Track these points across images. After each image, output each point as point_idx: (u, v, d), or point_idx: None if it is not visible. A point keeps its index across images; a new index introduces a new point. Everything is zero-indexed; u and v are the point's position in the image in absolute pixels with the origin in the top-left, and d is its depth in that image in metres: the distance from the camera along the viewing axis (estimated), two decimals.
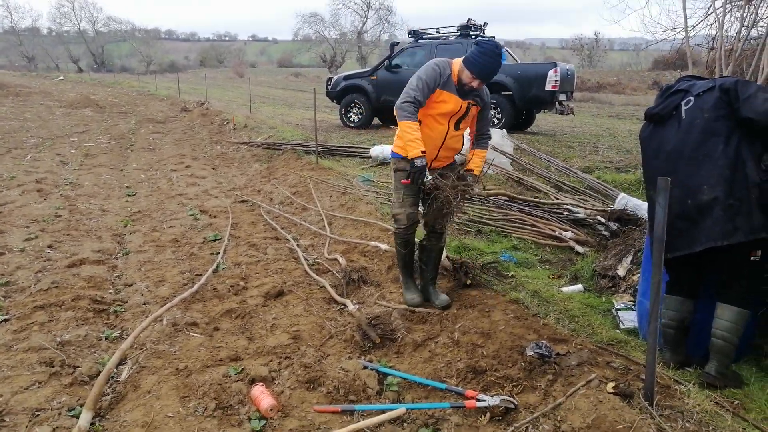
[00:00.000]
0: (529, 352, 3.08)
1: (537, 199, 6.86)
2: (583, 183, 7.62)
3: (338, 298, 4.12)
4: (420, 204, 3.82)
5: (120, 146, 11.80)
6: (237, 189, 8.01)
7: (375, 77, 13.05)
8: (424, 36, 13.08)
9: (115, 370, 3.05)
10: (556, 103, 11.72)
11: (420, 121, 3.49)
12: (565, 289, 4.41)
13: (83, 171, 8.88)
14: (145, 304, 3.97)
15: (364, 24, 54.62)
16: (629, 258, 4.55)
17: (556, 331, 3.41)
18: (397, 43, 13.60)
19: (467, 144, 4.08)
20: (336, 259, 4.90)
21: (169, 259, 4.96)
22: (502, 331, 3.41)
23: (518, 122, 12.38)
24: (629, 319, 3.87)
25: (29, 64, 66.73)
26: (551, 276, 4.85)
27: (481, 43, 3.43)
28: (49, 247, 5.08)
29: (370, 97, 13.07)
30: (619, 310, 4.00)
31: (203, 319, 3.73)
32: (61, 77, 40.87)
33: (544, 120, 15.67)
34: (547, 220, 6.40)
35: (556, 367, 2.95)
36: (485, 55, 3.38)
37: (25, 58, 68.92)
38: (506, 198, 6.71)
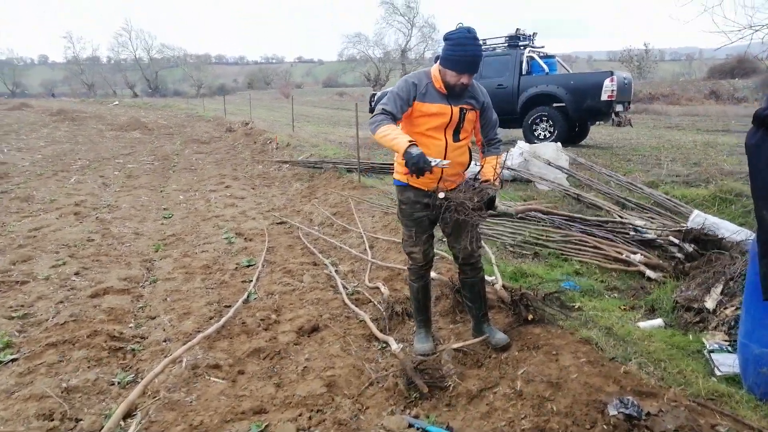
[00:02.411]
0: (612, 411, 2.50)
1: (598, 217, 6.21)
2: (649, 199, 6.91)
3: (380, 335, 3.62)
4: (441, 229, 3.31)
5: (163, 167, 11.75)
6: (276, 210, 7.67)
7: None
8: None
9: (122, 424, 2.65)
10: (613, 114, 11.00)
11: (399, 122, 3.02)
12: (642, 324, 3.79)
13: (123, 193, 8.76)
14: (165, 341, 3.58)
15: (407, 42, 54.85)
16: (719, 288, 3.88)
17: (641, 382, 2.81)
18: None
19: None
20: (378, 288, 4.42)
21: (198, 287, 4.59)
22: (574, 380, 2.84)
23: (571, 135, 11.69)
24: (726, 363, 3.22)
25: (89, 91, 69.96)
26: (623, 307, 4.23)
27: (448, 36, 2.93)
28: (76, 274, 4.81)
29: None
30: (712, 352, 3.35)
31: (227, 360, 3.30)
32: (116, 102, 42.38)
33: (597, 132, 14.86)
34: (612, 241, 5.75)
35: None
36: (458, 45, 2.87)
37: (85, 85, 72.36)
38: (541, 212, 6.05)
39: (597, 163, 8.92)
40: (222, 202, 8.07)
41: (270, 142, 13.90)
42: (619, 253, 5.45)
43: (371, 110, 13.72)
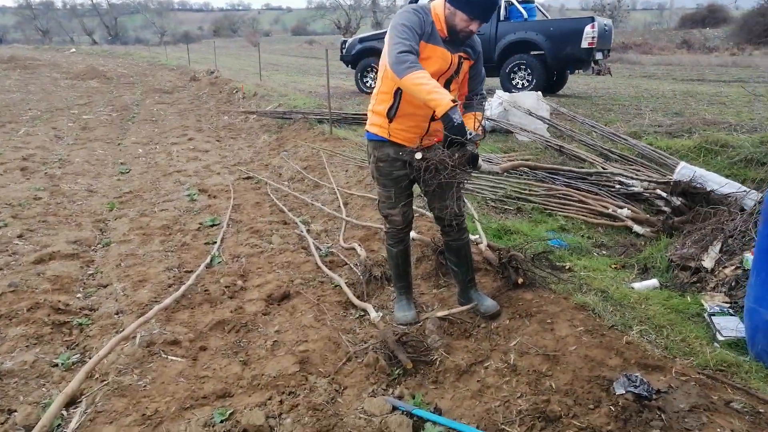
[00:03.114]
0: (619, 390, 2.25)
1: (582, 169, 5.93)
2: (633, 151, 6.65)
3: (357, 302, 3.31)
4: (421, 190, 2.96)
5: (121, 118, 11.02)
6: (242, 163, 7.20)
7: None
8: None
9: (64, 413, 2.30)
10: (592, 62, 10.65)
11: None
12: (637, 285, 3.55)
13: (77, 146, 8.12)
14: (118, 313, 3.20)
15: None
16: (717, 246, 3.65)
17: (646, 353, 2.56)
18: (417, 1, 12.50)
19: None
20: (354, 249, 4.09)
21: (156, 251, 4.18)
22: (573, 352, 2.58)
23: (549, 84, 11.31)
24: (729, 327, 3.00)
25: (44, 38, 66.17)
26: (614, 266, 3.99)
27: None
28: (19, 237, 4.34)
29: None
30: (713, 315, 3.13)
31: (187, 335, 2.95)
32: (73, 50, 40.10)
33: (573, 81, 14.49)
34: (597, 194, 5.50)
35: (660, 414, 2.13)
36: None
37: (40, 31, 68.36)
38: (528, 167, 5.72)
39: (577, 113, 8.61)
40: (184, 156, 7.54)
41: (236, 92, 13.19)
42: (605, 207, 5.21)
43: (342, 58, 13.09)
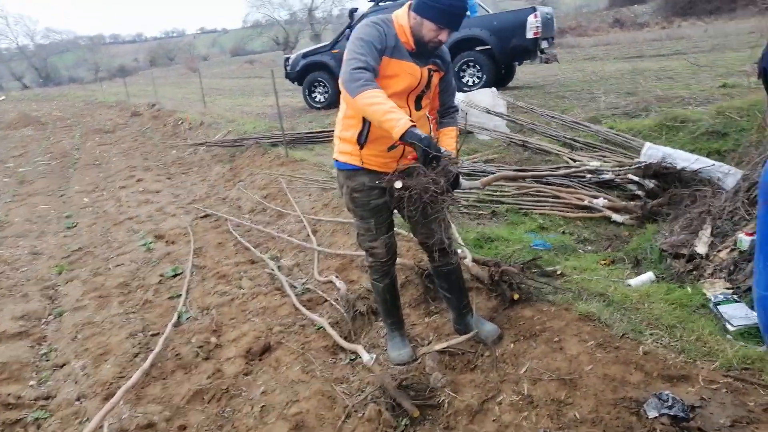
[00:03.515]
0: (652, 413, 2.05)
1: (552, 166, 5.81)
2: (596, 137, 6.58)
3: (345, 345, 3.03)
4: (402, 216, 2.70)
5: (62, 166, 10.41)
6: (198, 200, 6.80)
7: (337, 50, 11.76)
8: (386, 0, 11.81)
9: None
10: (539, 51, 10.63)
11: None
12: (633, 282, 3.38)
13: (15, 203, 7.55)
14: (79, 399, 2.83)
15: (313, 1, 52.78)
16: (708, 229, 3.52)
17: (667, 363, 2.37)
18: (356, 9, 12.28)
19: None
20: (332, 282, 3.81)
21: (116, 315, 3.80)
22: (590, 373, 2.38)
23: (498, 78, 11.24)
24: (738, 315, 2.86)
25: None
26: (603, 262, 3.83)
27: None
28: None
29: (335, 72, 11.76)
30: (718, 304, 2.98)
31: (163, 413, 2.62)
32: (2, 97, 38.42)
33: (520, 72, 14.53)
34: (569, 186, 5.38)
35: None
36: None
37: None
38: (508, 178, 5.50)
39: (533, 104, 8.54)
40: (135, 200, 7.08)
41: (181, 123, 12.71)
42: (580, 199, 5.08)
43: (287, 76, 12.76)
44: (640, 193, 5.22)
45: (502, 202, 5.19)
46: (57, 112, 22.97)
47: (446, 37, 2.32)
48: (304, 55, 12.41)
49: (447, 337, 2.91)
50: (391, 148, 2.39)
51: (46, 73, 67.99)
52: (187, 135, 11.62)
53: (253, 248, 4.74)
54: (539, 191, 5.32)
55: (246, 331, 3.36)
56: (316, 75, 12.08)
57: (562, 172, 5.13)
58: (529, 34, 10.11)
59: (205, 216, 6.03)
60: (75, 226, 6.22)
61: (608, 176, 5.42)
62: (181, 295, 3.99)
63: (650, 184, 5.17)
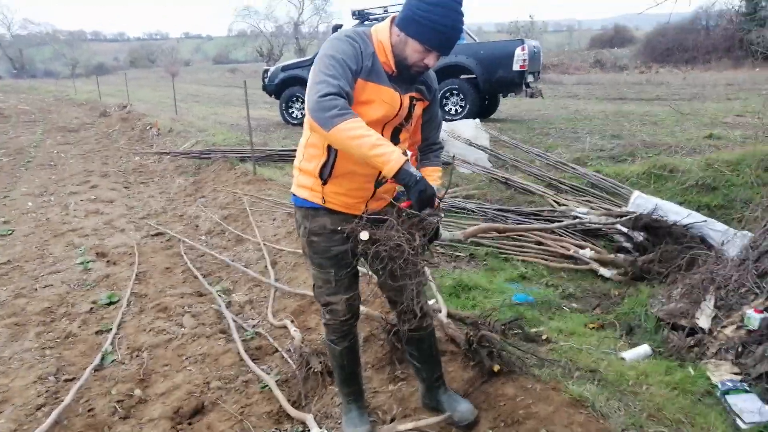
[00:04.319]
0: None
1: (536, 210, 5.46)
2: (582, 180, 6.27)
3: (293, 413, 2.55)
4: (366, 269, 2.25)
5: (12, 164, 9.69)
6: (152, 215, 6.24)
7: None
8: (371, 17, 11.51)
9: None
10: (524, 85, 10.41)
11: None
12: (627, 356, 2.98)
13: None
14: None
15: (300, 15, 52.77)
16: (711, 300, 3.15)
17: None
18: (341, 26, 11.95)
19: None
20: (286, 328, 3.32)
21: (29, 349, 3.24)
22: None
23: (481, 109, 10.99)
24: (750, 410, 2.47)
25: None
26: (591, 326, 3.45)
27: None
28: None
29: None
30: (726, 394, 2.60)
31: None
32: None
33: (503, 105, 14.36)
34: (554, 232, 5.02)
35: None
36: (439, 6, 1.78)
37: None
38: (498, 232, 4.97)
39: (516, 138, 8.24)
40: (83, 209, 6.47)
41: (150, 128, 12.10)
42: (565, 248, 4.72)
43: (265, 88, 12.31)
44: (627, 245, 4.91)
45: (482, 245, 4.81)
46: (23, 105, 21.99)
47: (434, 62, 1.90)
48: (284, 69, 11.99)
49: (414, 413, 2.46)
50: (379, 184, 2.00)
51: (21, 64, 66.23)
52: (155, 141, 11.02)
53: (202, 278, 4.22)
54: (521, 235, 4.96)
55: (179, 383, 2.85)
56: (294, 90, 11.66)
57: (554, 226, 4.75)
58: (516, 67, 9.90)
59: (158, 234, 5.48)
60: (10, 234, 5.59)
61: (596, 225, 5.10)
62: (111, 329, 3.45)
63: (639, 236, 4.84)
